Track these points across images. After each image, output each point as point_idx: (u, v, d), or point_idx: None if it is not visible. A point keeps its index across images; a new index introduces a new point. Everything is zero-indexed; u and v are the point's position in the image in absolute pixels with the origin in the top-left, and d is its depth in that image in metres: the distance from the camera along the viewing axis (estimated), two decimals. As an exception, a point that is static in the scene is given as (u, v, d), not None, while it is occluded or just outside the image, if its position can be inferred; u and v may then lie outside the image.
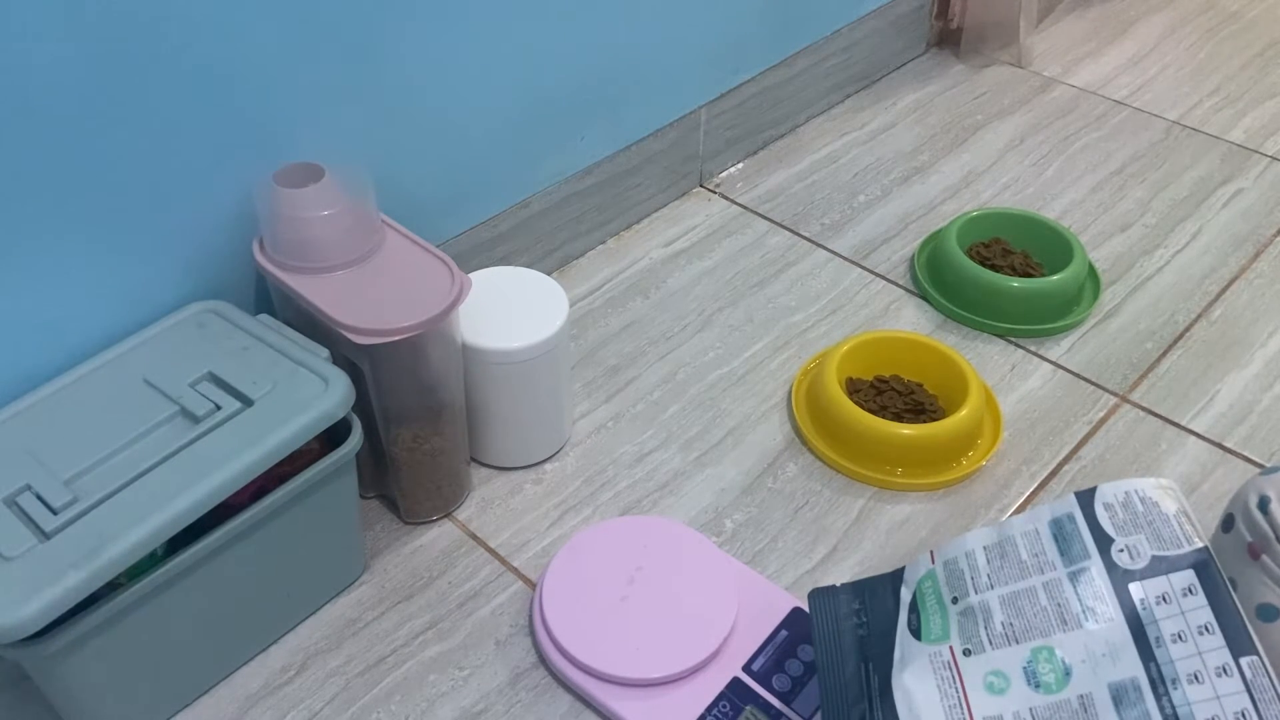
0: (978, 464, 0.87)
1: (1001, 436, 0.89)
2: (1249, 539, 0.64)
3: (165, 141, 0.70)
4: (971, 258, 1.03)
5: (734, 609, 0.73)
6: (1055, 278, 1.00)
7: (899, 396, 0.91)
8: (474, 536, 0.83)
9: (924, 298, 1.04)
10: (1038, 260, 1.05)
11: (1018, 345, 0.99)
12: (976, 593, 0.62)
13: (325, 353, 0.71)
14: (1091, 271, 1.05)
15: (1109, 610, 0.57)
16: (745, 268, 1.08)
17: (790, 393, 0.94)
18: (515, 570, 0.80)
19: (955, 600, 0.63)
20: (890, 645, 0.64)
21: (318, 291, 0.72)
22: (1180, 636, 0.54)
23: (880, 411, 0.89)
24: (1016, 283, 1.00)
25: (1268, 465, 0.67)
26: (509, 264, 0.90)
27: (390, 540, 0.82)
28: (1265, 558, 0.63)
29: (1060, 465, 0.88)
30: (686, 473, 0.88)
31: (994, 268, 1.03)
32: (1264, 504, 0.64)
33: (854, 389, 0.92)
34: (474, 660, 0.74)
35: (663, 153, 1.11)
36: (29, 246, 0.67)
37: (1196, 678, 0.53)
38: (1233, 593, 0.55)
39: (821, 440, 0.88)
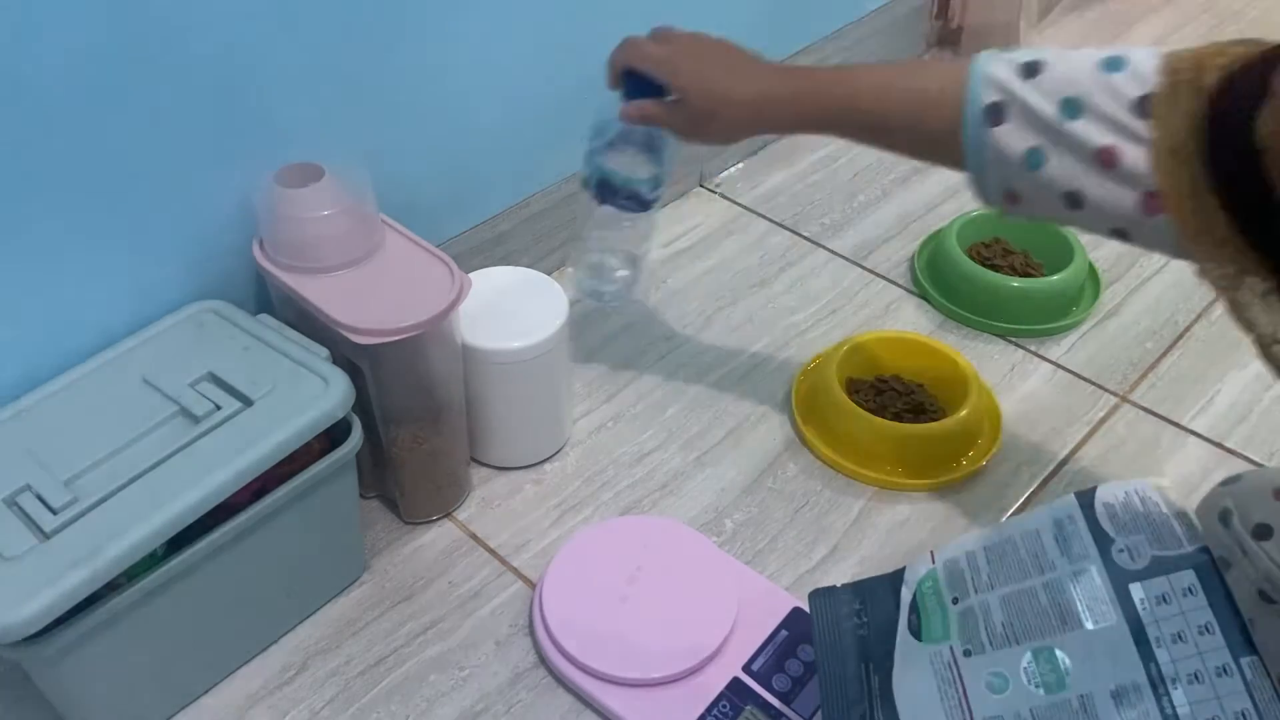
0: (978, 464, 0.87)
1: (1001, 436, 0.89)
2: (1216, 554, 0.64)
3: (165, 141, 0.70)
4: (972, 258, 1.03)
5: (734, 609, 0.73)
6: (1055, 278, 1.00)
7: (899, 397, 0.91)
8: (474, 536, 0.83)
9: (924, 298, 1.04)
10: (1038, 260, 1.05)
11: (1018, 345, 0.99)
12: (977, 593, 0.62)
13: (325, 353, 0.71)
14: (1091, 271, 1.05)
15: (1109, 610, 0.57)
16: (745, 268, 1.08)
17: (790, 393, 0.94)
18: (515, 570, 0.80)
19: (956, 600, 0.63)
20: (891, 645, 0.64)
21: (318, 291, 0.72)
22: (1180, 637, 0.54)
23: (880, 411, 0.89)
24: (1016, 282, 1.00)
25: (1230, 475, 0.66)
26: (509, 264, 0.90)
27: (390, 540, 0.82)
28: (1235, 570, 0.63)
29: (1060, 465, 0.88)
30: (686, 473, 0.88)
31: (994, 268, 1.03)
32: (1225, 517, 0.64)
33: (854, 389, 0.92)
34: (474, 660, 0.74)
35: (663, 153, 1.11)
36: (29, 246, 0.67)
37: (1196, 678, 0.53)
38: (1233, 593, 0.55)
39: (821, 440, 0.88)
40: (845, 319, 1.02)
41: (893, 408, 0.90)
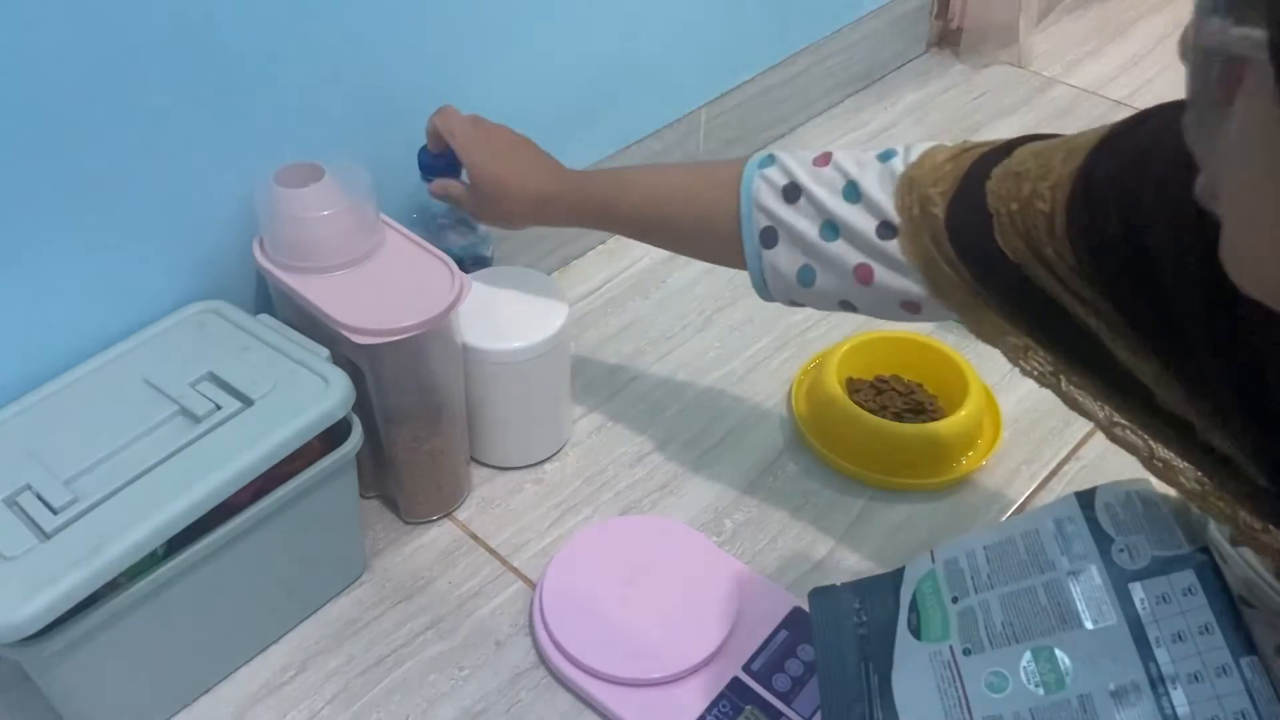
0: (978, 464, 0.87)
1: (1001, 436, 0.89)
2: None
3: (165, 141, 0.70)
4: None
5: (734, 609, 0.73)
6: None
7: (899, 396, 0.91)
8: (474, 536, 0.83)
9: None
10: None
11: (1018, 345, 0.99)
12: (976, 592, 0.62)
13: (325, 353, 0.71)
14: None
15: (1109, 610, 0.57)
16: (745, 268, 1.08)
17: (790, 393, 0.93)
18: (515, 570, 0.80)
19: (955, 600, 0.63)
20: (890, 645, 0.64)
21: (318, 291, 0.72)
22: (1180, 636, 0.54)
23: (880, 411, 0.89)
24: None
25: None
26: (509, 264, 0.90)
27: (390, 540, 0.82)
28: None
29: (1060, 465, 0.88)
30: (686, 473, 0.88)
31: None
32: (1203, 523, 0.64)
33: (854, 389, 0.92)
34: (474, 660, 0.74)
35: (662, 153, 1.11)
36: (29, 247, 0.67)
37: (1196, 678, 0.53)
38: (1233, 593, 0.55)
39: (821, 440, 0.88)
40: (845, 319, 1.01)
41: (892, 407, 0.90)
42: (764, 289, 0.70)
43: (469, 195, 0.80)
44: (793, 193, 0.65)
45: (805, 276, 0.66)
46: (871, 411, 0.88)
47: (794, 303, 0.69)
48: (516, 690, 0.73)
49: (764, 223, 0.67)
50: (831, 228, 0.64)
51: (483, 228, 0.88)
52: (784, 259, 0.66)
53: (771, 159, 0.67)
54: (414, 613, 0.77)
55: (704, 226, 0.71)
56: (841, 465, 0.87)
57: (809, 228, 0.64)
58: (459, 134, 0.79)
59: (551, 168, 0.80)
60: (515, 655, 0.75)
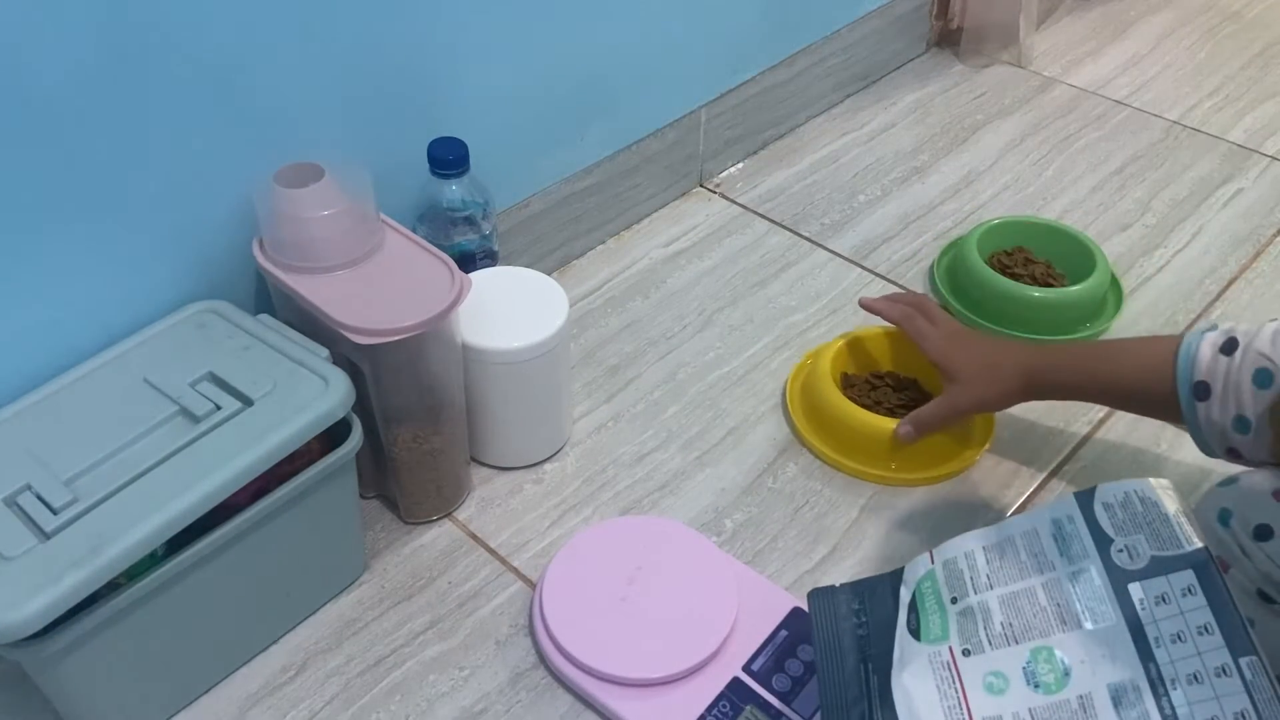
0: (973, 459, 0.87)
1: (994, 427, 0.89)
2: (1215, 553, 0.64)
3: (165, 141, 0.70)
4: (993, 266, 1.02)
5: (734, 609, 0.73)
6: (1076, 288, 0.98)
7: (893, 392, 0.91)
8: (474, 536, 0.83)
9: (944, 306, 1.03)
10: (1060, 270, 1.04)
11: (1017, 345, 0.99)
12: (976, 593, 0.62)
13: (325, 353, 0.71)
14: (1114, 282, 1.03)
15: (1108, 610, 0.57)
16: (745, 268, 1.08)
17: (784, 389, 0.93)
18: (515, 570, 0.80)
19: (955, 600, 0.63)
20: (890, 645, 0.64)
21: (318, 291, 0.72)
22: (1179, 637, 0.54)
23: (874, 407, 0.89)
24: (1038, 292, 0.99)
25: (1227, 476, 0.67)
26: (509, 264, 0.90)
27: (390, 540, 0.82)
28: (1234, 570, 0.63)
29: (1060, 465, 0.88)
30: (686, 473, 0.88)
31: (1015, 277, 1.02)
32: (1225, 517, 0.64)
33: (848, 384, 0.92)
34: (474, 660, 0.74)
35: (663, 153, 1.11)
36: (29, 246, 0.67)
37: (1196, 678, 0.53)
38: (1232, 593, 0.55)
39: (816, 436, 0.88)
40: (845, 319, 1.02)
41: (887, 403, 0.90)
42: (1200, 437, 0.70)
43: (945, 399, 0.82)
44: (1230, 346, 0.66)
45: (1241, 427, 0.66)
46: (866, 407, 0.88)
47: (1232, 452, 0.69)
48: (516, 690, 0.73)
49: (1199, 376, 0.67)
50: (1264, 376, 0.64)
51: (490, 224, 0.87)
52: (1217, 410, 0.67)
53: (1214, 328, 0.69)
54: (414, 613, 0.77)
55: (1153, 387, 0.71)
56: (837, 461, 0.87)
57: (1244, 378, 0.65)
58: (931, 336, 0.84)
59: (1027, 345, 0.83)
60: (515, 655, 0.75)
